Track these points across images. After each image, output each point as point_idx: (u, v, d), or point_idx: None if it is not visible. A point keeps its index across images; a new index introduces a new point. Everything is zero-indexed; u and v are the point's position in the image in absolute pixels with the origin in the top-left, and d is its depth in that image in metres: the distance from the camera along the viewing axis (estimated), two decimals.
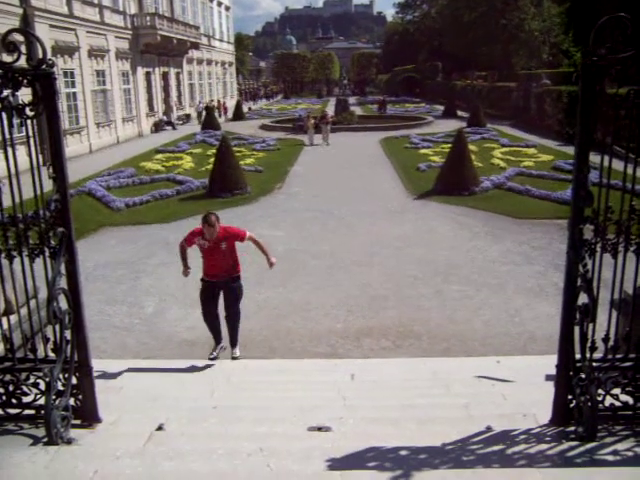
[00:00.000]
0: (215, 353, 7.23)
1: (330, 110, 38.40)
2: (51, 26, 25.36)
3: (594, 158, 3.81)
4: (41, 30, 23.57)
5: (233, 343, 7.37)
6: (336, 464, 3.69)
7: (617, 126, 3.87)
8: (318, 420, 4.60)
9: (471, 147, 20.60)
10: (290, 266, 11.00)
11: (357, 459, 3.77)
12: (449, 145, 19.31)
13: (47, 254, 4.09)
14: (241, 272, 7.28)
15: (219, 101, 53.73)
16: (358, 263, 11.22)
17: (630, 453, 3.78)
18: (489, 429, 4.22)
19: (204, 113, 39.53)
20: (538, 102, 33.52)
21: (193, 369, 6.89)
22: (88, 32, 29.22)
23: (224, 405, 5.36)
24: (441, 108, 48.15)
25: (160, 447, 4.10)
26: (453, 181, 16.83)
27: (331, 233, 13.42)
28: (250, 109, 58.93)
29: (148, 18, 36.46)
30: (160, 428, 4.45)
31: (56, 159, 3.99)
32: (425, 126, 37.01)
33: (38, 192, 3.99)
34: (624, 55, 3.61)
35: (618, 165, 3.81)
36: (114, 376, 6.29)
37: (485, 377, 6.20)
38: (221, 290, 7.16)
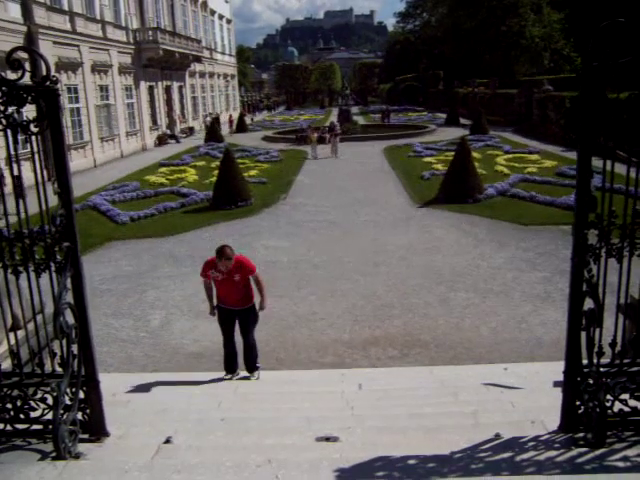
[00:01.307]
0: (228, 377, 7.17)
1: (333, 120, 38.43)
2: (55, 43, 25.60)
3: (597, 163, 3.82)
4: (45, 47, 23.80)
5: (252, 368, 7.18)
6: (344, 474, 3.68)
7: (619, 130, 3.88)
8: (326, 430, 4.58)
9: (474, 154, 20.65)
10: (295, 277, 11.01)
11: (365, 469, 3.76)
12: (452, 153, 19.31)
13: (53, 269, 4.11)
14: (254, 302, 7.12)
15: (219, 113, 53.99)
16: (363, 272, 11.21)
17: None
18: (498, 436, 4.20)
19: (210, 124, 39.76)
20: (540, 108, 33.53)
21: (200, 381, 6.90)
22: (91, 48, 29.46)
23: (232, 417, 5.36)
24: (443, 116, 48.25)
25: (168, 460, 4.09)
26: (457, 189, 16.84)
27: (335, 243, 13.43)
28: (253, 120, 59.33)
29: (150, 33, 36.74)
30: (168, 441, 4.45)
31: (61, 174, 4.02)
32: (428, 134, 37.07)
33: (43, 207, 4.01)
34: (624, 60, 3.62)
35: (621, 169, 3.81)
36: (121, 390, 6.29)
37: (493, 384, 6.18)
38: (237, 316, 7.06)
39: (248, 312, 7.05)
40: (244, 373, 7.22)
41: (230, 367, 7.15)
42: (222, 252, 6.65)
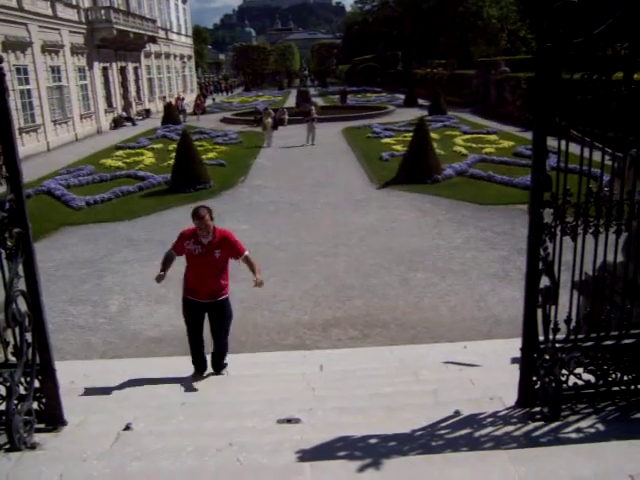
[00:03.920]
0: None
1: (291, 102, 38.14)
2: (0, 20, 24.65)
3: (553, 143, 3.86)
4: None
5: (219, 367, 6.51)
6: (306, 455, 3.69)
7: (573, 110, 3.93)
8: (287, 412, 4.59)
9: (433, 135, 20.76)
10: (255, 259, 10.91)
11: (327, 449, 3.77)
12: (411, 134, 19.39)
13: (3, 256, 3.98)
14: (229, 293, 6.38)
15: (184, 95, 53.08)
16: (323, 254, 11.22)
17: (592, 430, 3.88)
18: (457, 414, 4.27)
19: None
20: (497, 89, 33.91)
21: (160, 367, 6.82)
22: (40, 27, 28.45)
23: (192, 401, 5.33)
24: (402, 97, 48.24)
25: (128, 447, 4.04)
26: (416, 169, 16.92)
27: (296, 225, 13.39)
28: (214, 101, 58.85)
29: (103, 12, 35.70)
30: (128, 428, 4.39)
31: (8, 157, 3.88)
32: (386, 115, 37.13)
33: None
34: (577, 40, 3.66)
35: (575, 149, 3.86)
36: (80, 377, 6.17)
37: (452, 363, 6.27)
38: (207, 312, 6.23)
39: (221, 306, 6.20)
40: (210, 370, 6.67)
41: (200, 367, 6.47)
42: (195, 211, 5.88)
